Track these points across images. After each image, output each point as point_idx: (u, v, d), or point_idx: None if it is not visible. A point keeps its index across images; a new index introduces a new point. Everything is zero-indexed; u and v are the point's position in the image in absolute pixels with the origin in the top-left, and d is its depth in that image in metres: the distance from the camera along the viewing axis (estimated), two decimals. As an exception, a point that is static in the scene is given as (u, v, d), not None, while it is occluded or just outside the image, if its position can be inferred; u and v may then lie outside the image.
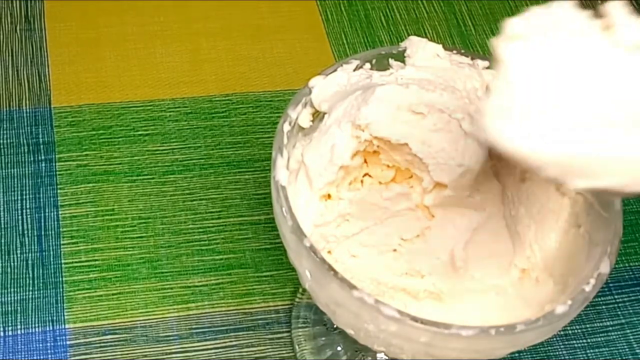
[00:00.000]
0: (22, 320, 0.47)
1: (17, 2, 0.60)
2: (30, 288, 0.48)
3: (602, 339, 0.49)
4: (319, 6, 0.63)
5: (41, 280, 0.48)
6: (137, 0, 0.62)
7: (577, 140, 0.28)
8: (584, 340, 0.49)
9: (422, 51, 0.40)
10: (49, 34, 0.59)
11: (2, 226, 0.50)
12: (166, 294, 0.48)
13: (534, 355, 0.48)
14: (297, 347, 0.47)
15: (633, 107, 0.28)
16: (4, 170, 0.52)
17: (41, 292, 0.48)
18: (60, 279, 0.48)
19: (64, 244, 0.49)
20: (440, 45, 0.40)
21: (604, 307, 0.51)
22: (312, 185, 0.38)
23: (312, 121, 0.39)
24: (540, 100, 0.27)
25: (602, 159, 0.28)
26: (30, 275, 0.48)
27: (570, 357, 0.49)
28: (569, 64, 0.28)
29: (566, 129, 0.27)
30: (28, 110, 0.55)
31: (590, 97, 0.27)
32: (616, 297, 0.51)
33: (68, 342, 0.46)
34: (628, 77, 0.28)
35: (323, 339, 0.48)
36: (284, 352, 0.47)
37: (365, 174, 0.40)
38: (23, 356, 0.46)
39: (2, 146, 0.53)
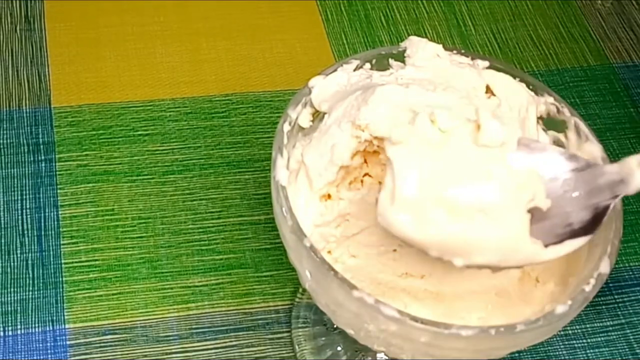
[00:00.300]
0: (22, 320, 0.47)
1: (17, 2, 0.60)
2: (30, 288, 0.48)
3: (602, 339, 0.49)
4: (319, 6, 0.63)
5: (41, 280, 0.48)
6: (137, 0, 0.62)
7: (452, 226, 0.32)
8: (584, 340, 0.49)
9: (422, 51, 0.40)
10: (49, 34, 0.59)
11: (2, 226, 0.50)
12: (166, 294, 0.48)
13: (534, 355, 0.48)
14: (297, 347, 0.47)
15: (498, 195, 0.33)
16: (4, 170, 0.52)
17: (41, 292, 0.48)
18: (60, 279, 0.48)
19: (64, 244, 0.49)
20: (440, 45, 0.40)
21: (604, 307, 0.51)
22: (312, 185, 0.38)
23: (312, 121, 0.39)
24: (419, 193, 0.32)
25: (474, 241, 0.33)
26: (30, 275, 0.48)
27: (570, 357, 0.49)
28: (443, 162, 0.33)
29: (442, 216, 0.32)
30: (28, 110, 0.55)
31: (460, 189, 0.33)
32: (616, 297, 0.51)
33: (68, 342, 0.46)
34: (492, 172, 0.33)
35: (323, 339, 0.48)
36: (284, 352, 0.47)
37: (365, 174, 0.40)
38: (23, 356, 0.46)
39: (2, 146, 0.53)
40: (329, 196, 0.39)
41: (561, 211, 0.34)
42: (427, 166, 0.33)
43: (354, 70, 0.40)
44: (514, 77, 0.40)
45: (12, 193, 0.51)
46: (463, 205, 0.32)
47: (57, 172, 0.52)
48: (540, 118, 0.40)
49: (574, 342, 0.49)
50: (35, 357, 0.46)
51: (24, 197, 0.51)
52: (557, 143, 0.39)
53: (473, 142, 0.34)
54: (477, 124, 0.34)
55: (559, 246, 0.34)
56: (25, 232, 0.50)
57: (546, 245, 0.34)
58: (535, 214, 0.34)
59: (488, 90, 0.39)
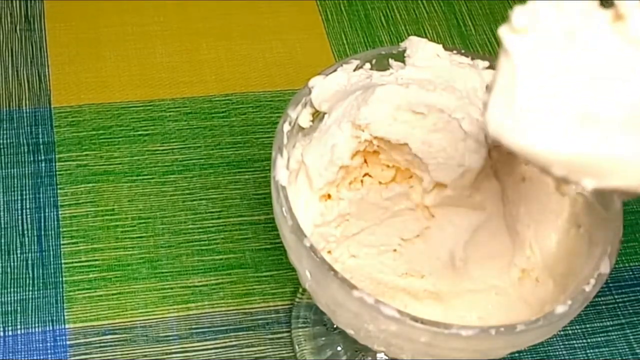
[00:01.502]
0: (22, 320, 0.47)
1: (17, 2, 0.60)
2: (30, 288, 0.48)
3: (602, 339, 0.49)
4: (319, 6, 0.63)
5: (41, 280, 0.48)
6: (137, 0, 0.62)
7: (586, 139, 0.27)
8: (584, 340, 0.49)
9: (422, 51, 0.40)
10: (49, 34, 0.59)
11: (2, 226, 0.50)
12: (166, 294, 0.48)
13: (534, 355, 0.48)
14: (297, 347, 0.47)
15: None
16: (4, 170, 0.52)
17: (41, 292, 0.48)
18: (60, 279, 0.48)
19: (64, 244, 0.49)
20: (440, 45, 0.40)
21: (604, 307, 0.51)
22: (312, 185, 0.38)
23: (312, 121, 0.39)
24: (546, 97, 0.27)
25: (611, 160, 0.27)
26: (30, 275, 0.48)
27: (570, 357, 0.49)
28: (577, 60, 0.27)
29: (574, 127, 0.27)
30: (28, 110, 0.55)
31: (600, 95, 0.27)
32: (616, 297, 0.51)
33: (68, 342, 0.46)
34: (636, 75, 0.27)
35: (323, 339, 0.48)
36: (284, 352, 0.47)
37: (365, 174, 0.40)
38: (23, 356, 0.46)
39: (2, 146, 0.53)
40: (329, 196, 0.39)
41: None
42: (557, 62, 0.27)
43: (354, 70, 0.40)
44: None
45: (12, 193, 0.51)
46: (601, 114, 0.26)
47: (57, 172, 0.52)
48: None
49: (574, 342, 0.49)
50: (35, 357, 0.46)
51: (24, 197, 0.51)
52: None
53: (614, 35, 0.27)
54: (616, 12, 0.27)
55: None
56: (25, 232, 0.50)
57: None
58: None
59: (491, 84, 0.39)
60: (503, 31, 0.27)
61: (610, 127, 0.26)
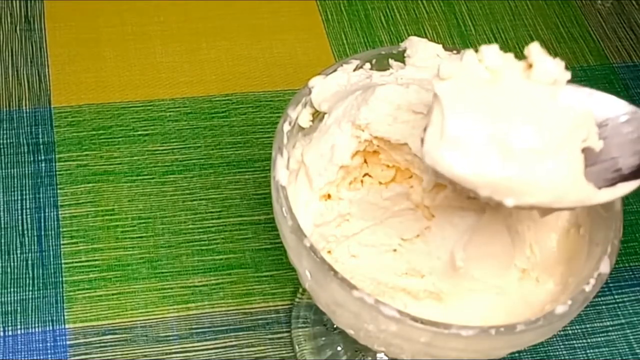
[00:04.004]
0: (22, 320, 0.47)
1: (17, 2, 0.60)
2: (30, 288, 0.48)
3: (602, 339, 0.49)
4: (319, 6, 0.63)
5: (41, 280, 0.48)
6: (137, 0, 0.62)
7: (504, 166, 0.31)
8: (584, 340, 0.49)
9: (422, 51, 0.40)
10: (49, 34, 0.59)
11: (2, 226, 0.50)
12: (166, 294, 0.48)
13: (534, 355, 0.48)
14: (297, 347, 0.47)
15: (551, 135, 0.31)
16: (4, 170, 0.52)
17: (41, 292, 0.48)
18: (60, 279, 0.48)
19: (64, 244, 0.49)
20: (440, 45, 0.40)
21: (604, 307, 0.51)
22: (312, 185, 0.38)
23: (312, 121, 0.39)
24: (471, 130, 0.31)
25: (527, 181, 0.31)
26: (30, 275, 0.48)
27: (570, 357, 0.49)
28: (495, 100, 0.31)
29: (494, 155, 0.31)
30: (28, 110, 0.55)
31: (513, 127, 0.31)
32: (616, 297, 0.51)
33: (68, 342, 0.46)
34: (546, 111, 0.31)
35: (323, 339, 0.48)
36: (284, 352, 0.47)
37: (365, 174, 0.40)
38: (23, 356, 0.46)
39: (2, 146, 0.53)
40: (329, 196, 0.39)
41: (608, 156, 0.33)
42: (477, 101, 0.31)
43: (354, 70, 0.40)
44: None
45: (12, 193, 0.51)
46: (517, 143, 0.31)
47: (57, 172, 0.52)
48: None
49: (574, 342, 0.49)
50: (35, 357, 0.46)
51: (24, 197, 0.51)
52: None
53: (524, 79, 0.32)
54: (527, 62, 0.32)
55: (612, 189, 0.32)
56: (25, 232, 0.50)
57: (599, 188, 0.32)
58: (586, 155, 0.32)
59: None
60: (433, 80, 0.32)
61: (524, 154, 0.31)
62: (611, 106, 0.34)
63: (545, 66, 0.32)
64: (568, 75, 0.32)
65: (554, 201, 0.32)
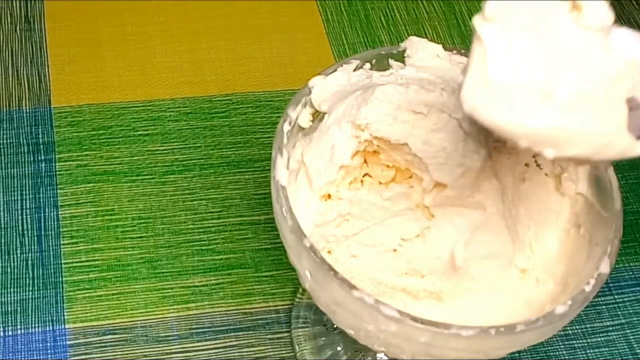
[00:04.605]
0: (22, 320, 0.47)
1: (17, 2, 0.60)
2: (30, 288, 0.48)
3: (602, 339, 0.49)
4: (319, 6, 0.63)
5: (41, 280, 0.48)
6: (137, 0, 0.62)
7: (546, 115, 0.30)
8: (584, 340, 0.49)
9: (422, 51, 0.40)
10: (49, 34, 0.59)
11: (2, 226, 0.50)
12: (166, 294, 0.48)
13: (534, 355, 0.48)
14: (297, 347, 0.47)
15: (596, 84, 0.30)
16: (4, 170, 0.52)
17: (41, 292, 0.48)
18: (60, 279, 0.48)
19: (64, 244, 0.49)
20: (440, 45, 0.40)
21: (604, 307, 0.51)
22: (312, 185, 0.38)
23: (312, 121, 0.39)
24: (513, 77, 0.30)
25: (568, 132, 0.30)
26: (30, 275, 0.48)
27: (570, 357, 0.49)
28: (539, 45, 0.30)
29: (536, 103, 0.30)
30: (28, 110, 0.55)
31: (558, 75, 0.30)
32: (616, 297, 0.51)
33: (68, 342, 0.46)
34: (591, 58, 0.30)
35: (323, 339, 0.48)
36: (284, 352, 0.47)
37: (365, 174, 0.40)
38: (23, 356, 0.46)
39: (2, 146, 0.53)
40: (329, 196, 0.39)
41: None
42: (522, 47, 0.30)
43: (354, 70, 0.40)
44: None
45: (12, 193, 0.51)
46: (561, 92, 0.30)
47: (57, 172, 0.52)
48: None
49: (574, 342, 0.49)
50: (35, 357, 0.46)
51: (24, 197, 0.51)
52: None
53: (572, 23, 0.30)
54: (574, 3, 0.30)
55: None
56: (25, 232, 0.50)
57: (638, 138, 0.31)
58: (630, 105, 0.31)
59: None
60: (476, 19, 0.30)
61: (566, 104, 0.30)
62: None
63: (594, 10, 0.30)
64: (612, 17, 0.31)
65: (595, 153, 0.31)
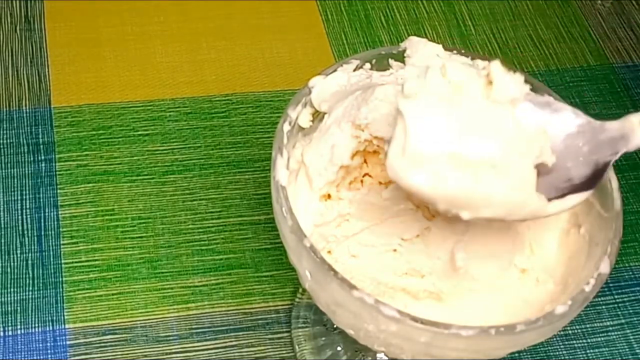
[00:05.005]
0: (22, 320, 0.47)
1: (17, 2, 0.60)
2: (30, 288, 0.48)
3: (602, 339, 0.49)
4: (319, 6, 0.63)
5: (41, 280, 0.48)
6: (137, 0, 0.62)
7: (461, 181, 0.33)
8: (584, 340, 0.49)
9: (422, 51, 0.40)
10: (49, 34, 0.59)
11: (2, 226, 0.50)
12: (166, 294, 0.48)
13: (534, 355, 0.48)
14: (297, 347, 0.47)
15: (506, 151, 0.33)
16: (4, 170, 0.52)
17: (41, 292, 0.48)
18: (60, 279, 0.48)
19: (64, 244, 0.49)
20: (440, 46, 0.40)
21: (604, 307, 0.51)
22: (312, 185, 0.38)
23: (312, 121, 0.39)
24: (430, 147, 0.33)
25: (482, 195, 0.33)
26: (30, 275, 0.48)
27: (570, 357, 0.49)
28: (455, 117, 0.33)
29: (449, 169, 0.33)
30: (28, 110, 0.55)
31: (470, 144, 0.33)
32: (616, 297, 0.51)
33: (68, 342, 0.46)
34: (502, 128, 0.33)
35: (323, 339, 0.48)
36: (284, 352, 0.47)
37: (365, 174, 0.40)
38: (23, 356, 0.46)
39: (2, 146, 0.53)
40: (329, 196, 0.39)
41: (563, 166, 0.35)
42: (438, 120, 0.33)
43: (354, 70, 0.40)
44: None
45: (12, 193, 0.51)
46: (473, 159, 0.33)
47: (57, 172, 0.52)
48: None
49: (574, 342, 0.49)
50: (35, 357, 0.46)
51: (24, 197, 0.51)
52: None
53: (484, 97, 0.34)
54: (488, 79, 0.34)
55: (562, 200, 0.34)
56: (25, 232, 0.50)
57: (549, 200, 0.34)
58: (540, 169, 0.34)
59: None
60: (398, 98, 0.34)
61: (480, 170, 0.33)
62: (567, 116, 0.35)
63: (503, 85, 0.33)
64: (527, 89, 0.34)
65: (508, 214, 0.34)
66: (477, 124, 0.33)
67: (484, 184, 0.33)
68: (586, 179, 0.35)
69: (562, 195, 0.34)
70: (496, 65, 0.34)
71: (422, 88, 0.34)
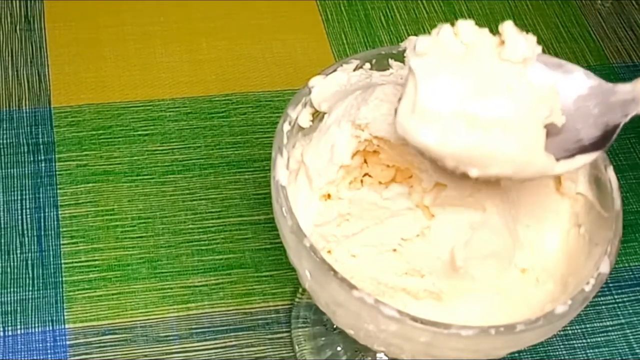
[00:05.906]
0: (22, 320, 0.47)
1: (17, 2, 0.60)
2: (30, 288, 0.48)
3: (602, 339, 0.49)
4: (319, 6, 0.63)
5: (41, 280, 0.48)
6: (137, 0, 0.62)
7: (470, 137, 0.33)
8: (584, 340, 0.49)
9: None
10: (49, 34, 0.59)
11: (2, 226, 0.50)
12: (166, 294, 0.48)
13: (534, 355, 0.48)
14: (297, 347, 0.47)
15: (516, 110, 0.33)
16: (4, 170, 0.52)
17: (41, 292, 0.48)
18: (60, 279, 0.48)
19: (64, 244, 0.49)
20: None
21: (604, 307, 0.51)
22: (312, 184, 0.38)
23: (312, 121, 0.39)
24: (439, 104, 0.33)
25: (490, 152, 0.33)
26: (30, 275, 0.48)
27: (570, 357, 0.49)
28: (466, 75, 0.33)
29: (461, 127, 0.33)
30: (28, 110, 0.55)
31: (480, 102, 0.33)
32: (616, 297, 0.51)
33: (68, 342, 0.46)
34: (512, 86, 0.33)
35: (323, 339, 0.48)
36: (284, 352, 0.47)
37: (365, 174, 0.40)
38: (23, 356, 0.46)
39: (2, 146, 0.53)
40: (329, 196, 0.39)
41: (572, 127, 0.35)
42: (448, 78, 0.33)
43: (354, 70, 0.40)
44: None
45: (12, 193, 0.51)
46: (483, 117, 0.33)
47: (57, 172, 0.52)
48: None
49: (574, 342, 0.49)
50: (35, 357, 0.46)
51: (24, 197, 0.51)
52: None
53: (496, 56, 0.34)
54: (501, 38, 0.34)
55: (570, 160, 0.34)
56: (25, 232, 0.50)
57: (557, 159, 0.34)
58: (549, 129, 0.34)
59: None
60: (408, 54, 0.34)
61: (487, 126, 0.33)
62: (578, 78, 0.35)
63: (516, 45, 0.33)
64: (539, 50, 0.34)
65: (516, 171, 0.34)
66: (488, 83, 0.33)
67: (493, 141, 0.33)
68: (596, 140, 0.35)
69: (571, 156, 0.34)
70: (509, 26, 0.33)
71: (434, 47, 0.34)
